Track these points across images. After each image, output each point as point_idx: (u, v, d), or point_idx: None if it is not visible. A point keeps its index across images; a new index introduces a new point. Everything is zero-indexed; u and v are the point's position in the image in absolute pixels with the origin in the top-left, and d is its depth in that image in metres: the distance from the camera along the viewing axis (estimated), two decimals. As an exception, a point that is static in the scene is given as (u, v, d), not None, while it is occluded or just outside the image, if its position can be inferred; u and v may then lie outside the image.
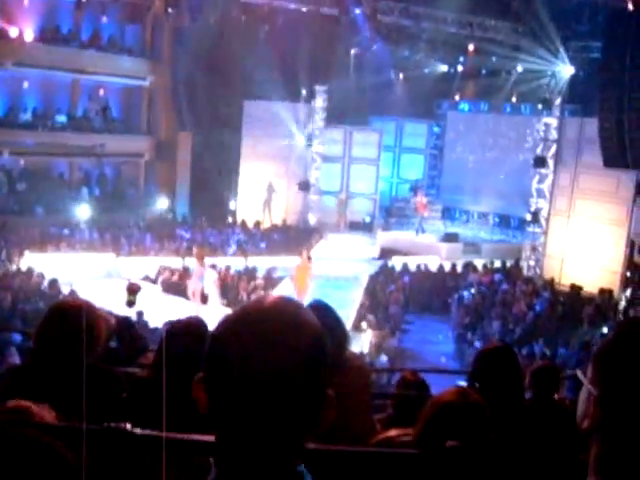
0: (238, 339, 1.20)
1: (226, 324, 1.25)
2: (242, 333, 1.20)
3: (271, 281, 19.26)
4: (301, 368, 1.19)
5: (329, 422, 1.27)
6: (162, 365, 3.01)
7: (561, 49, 21.00)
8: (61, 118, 23.56)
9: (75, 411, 2.34)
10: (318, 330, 1.25)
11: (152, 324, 13.97)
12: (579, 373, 1.50)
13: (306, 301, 15.89)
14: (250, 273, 19.65)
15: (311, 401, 1.21)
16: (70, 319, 2.99)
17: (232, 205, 25.88)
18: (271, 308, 1.24)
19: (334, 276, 20.38)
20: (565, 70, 21.42)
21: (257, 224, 24.55)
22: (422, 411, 2.75)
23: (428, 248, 22.93)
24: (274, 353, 1.18)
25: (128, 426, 2.40)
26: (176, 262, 20.13)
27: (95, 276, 19.16)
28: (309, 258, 17.82)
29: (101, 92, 25.02)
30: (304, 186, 24.78)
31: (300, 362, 1.19)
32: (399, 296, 18.33)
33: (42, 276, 17.12)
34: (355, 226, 25.41)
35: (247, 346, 1.19)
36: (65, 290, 16.12)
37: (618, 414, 1.37)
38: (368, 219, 25.75)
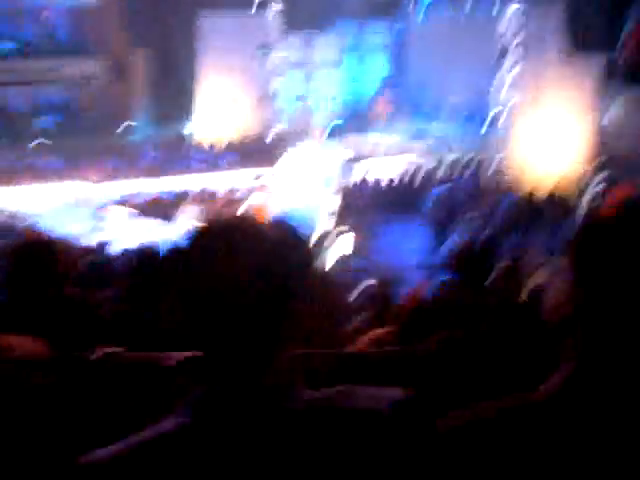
0: (203, 253, 1.27)
1: (192, 241, 1.32)
2: (206, 247, 1.27)
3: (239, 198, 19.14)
4: (263, 276, 1.25)
5: (298, 332, 1.39)
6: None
7: None
8: (6, 45, 22.63)
9: (55, 342, 2.47)
10: (277, 243, 1.32)
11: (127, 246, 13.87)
12: (554, 259, 1.43)
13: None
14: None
15: (272, 315, 1.27)
16: (33, 258, 3.06)
17: (191, 124, 25.26)
18: (231, 224, 1.34)
19: (307, 185, 20.28)
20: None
21: (219, 140, 24.05)
22: (398, 308, 2.75)
23: (398, 148, 22.78)
24: (239, 264, 1.25)
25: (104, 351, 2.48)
26: (144, 184, 19.90)
27: (62, 206, 18.85)
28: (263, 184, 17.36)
29: (46, 14, 24.00)
30: (267, 96, 24.26)
31: (261, 270, 1.25)
32: (374, 198, 18.42)
33: (2, 210, 16.87)
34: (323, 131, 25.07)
35: (214, 258, 1.25)
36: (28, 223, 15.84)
37: (597, 301, 1.29)
38: (336, 123, 25.35)
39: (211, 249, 1.26)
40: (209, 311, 1.23)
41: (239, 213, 17.80)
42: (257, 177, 18.07)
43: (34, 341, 2.44)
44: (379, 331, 3.15)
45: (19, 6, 22.79)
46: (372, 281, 6.38)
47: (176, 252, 1.39)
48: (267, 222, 3.42)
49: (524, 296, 4.38)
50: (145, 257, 3.54)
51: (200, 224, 1.34)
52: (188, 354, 1.39)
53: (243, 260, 1.25)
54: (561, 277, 1.37)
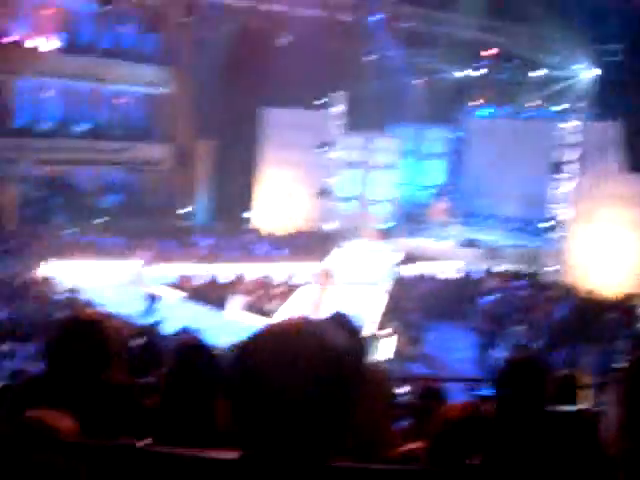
0: (263, 358, 1.25)
1: (252, 344, 1.30)
2: (267, 353, 1.26)
3: (291, 289, 19.27)
4: (322, 386, 1.24)
5: (351, 438, 1.31)
6: (174, 380, 3.03)
7: (582, 52, 20.86)
8: (82, 127, 23.76)
9: (91, 427, 2.36)
10: (339, 350, 1.29)
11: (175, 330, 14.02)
12: (605, 398, 1.48)
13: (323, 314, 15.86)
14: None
15: (333, 417, 1.25)
16: (82, 335, 2.96)
17: (249, 214, 25.88)
18: (293, 328, 1.30)
19: (356, 283, 20.32)
20: (588, 73, 21.25)
21: (274, 231, 24.60)
22: (431, 425, 2.72)
23: (448, 254, 22.80)
24: (297, 372, 1.23)
25: (142, 443, 2.36)
26: (198, 269, 20.20)
27: (119, 283, 19.24)
28: (327, 274, 17.35)
29: (122, 100, 25.22)
30: (324, 193, 24.74)
31: (321, 380, 1.24)
32: (420, 303, 18.24)
33: (61, 285, 17.25)
34: (376, 232, 25.34)
35: (272, 365, 1.24)
36: (84, 299, 16.21)
37: None
38: (389, 225, 25.66)
39: (271, 354, 1.24)
40: (268, 413, 1.20)
41: (293, 306, 17.93)
42: (314, 272, 18.10)
43: (64, 418, 2.32)
44: (412, 445, 3.12)
45: (99, 91, 24.07)
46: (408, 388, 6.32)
47: (236, 352, 1.32)
48: (325, 318, 3.40)
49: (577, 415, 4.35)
50: (190, 349, 3.38)
51: (255, 320, 1.31)
52: (238, 453, 1.29)
53: (303, 367, 1.23)
54: (618, 409, 1.42)
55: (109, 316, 3.55)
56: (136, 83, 24.57)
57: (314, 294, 16.96)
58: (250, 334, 1.33)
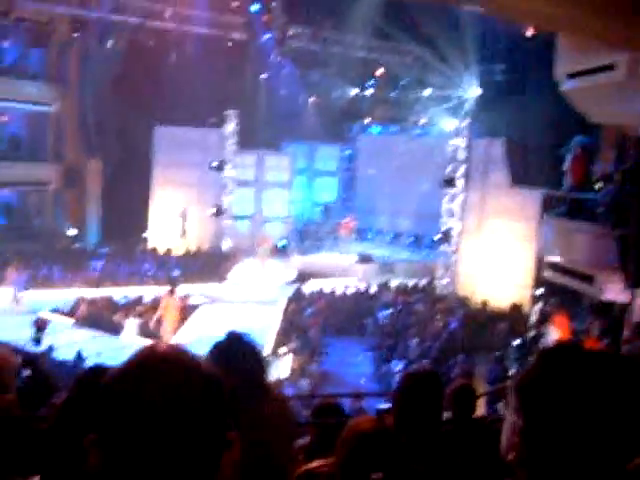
0: (131, 393, 1.18)
1: (113, 377, 1.23)
2: (134, 385, 1.19)
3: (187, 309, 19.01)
4: (198, 415, 1.19)
5: (231, 465, 1.26)
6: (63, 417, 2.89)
7: (466, 72, 21.69)
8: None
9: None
10: (212, 376, 1.25)
11: (65, 357, 13.51)
12: (501, 406, 1.50)
13: (177, 338, 15.84)
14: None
15: (210, 447, 1.21)
16: None
17: (144, 234, 25.35)
18: (161, 359, 1.23)
19: (251, 301, 20.26)
20: (471, 92, 22.09)
21: (168, 252, 24.19)
22: (339, 440, 2.70)
23: (344, 270, 23.07)
24: (170, 404, 1.17)
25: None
26: (89, 292, 19.56)
27: (2, 311, 18.38)
28: (172, 292, 17.13)
29: (4, 118, 24.22)
30: (218, 212, 24.55)
31: (196, 409, 1.19)
32: (317, 319, 18.32)
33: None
34: (271, 250, 25.33)
35: (141, 399, 1.17)
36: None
37: (543, 447, 1.36)
38: (283, 242, 25.75)
39: (141, 389, 1.18)
40: (143, 450, 1.15)
41: (190, 327, 17.63)
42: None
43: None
44: (314, 464, 3.11)
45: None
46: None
47: (103, 391, 1.23)
48: (222, 337, 3.33)
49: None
50: (94, 371, 3.23)
51: (128, 361, 1.22)
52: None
53: (182, 399, 1.18)
54: (512, 417, 1.45)
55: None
56: (20, 100, 23.65)
57: (161, 325, 16.58)
58: (120, 364, 1.25)
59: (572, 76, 12.99)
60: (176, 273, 21.85)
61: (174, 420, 1.16)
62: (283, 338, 16.99)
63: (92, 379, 3.12)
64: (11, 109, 24.28)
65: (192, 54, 21.24)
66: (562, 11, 9.55)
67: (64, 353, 13.79)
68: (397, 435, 2.67)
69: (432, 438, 3.21)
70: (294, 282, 22.37)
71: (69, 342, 14.94)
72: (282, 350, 16.10)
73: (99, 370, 3.24)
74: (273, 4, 20.80)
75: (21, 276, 19.31)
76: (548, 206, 18.15)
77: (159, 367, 1.21)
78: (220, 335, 3.26)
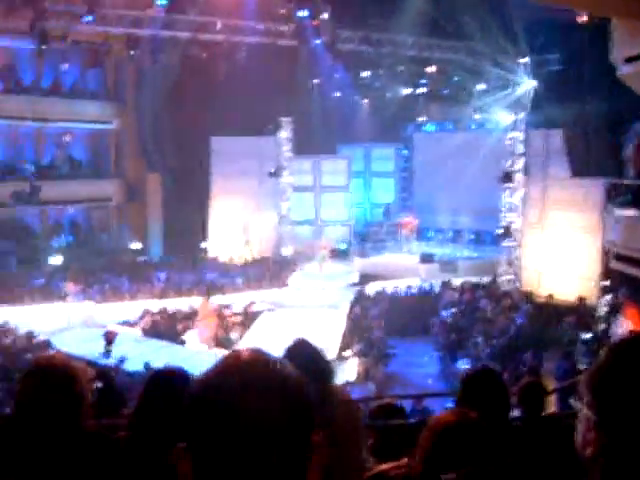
0: (219, 402, 1.18)
1: (204, 385, 1.22)
2: (222, 393, 1.18)
3: (249, 316, 19.24)
4: (286, 420, 1.19)
5: (320, 468, 1.25)
6: (140, 423, 2.89)
7: (520, 64, 21.34)
8: (27, 167, 23.35)
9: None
10: (298, 380, 1.25)
11: (134, 368, 13.78)
12: (573, 402, 1.48)
13: (213, 343, 16.09)
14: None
15: (298, 451, 1.20)
16: (51, 382, 2.72)
17: (205, 245, 25.73)
18: (248, 364, 1.23)
19: (314, 305, 20.32)
20: (526, 83, 21.71)
21: (230, 260, 24.50)
22: (420, 440, 2.66)
23: (406, 270, 22.93)
24: (259, 409, 1.17)
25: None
26: (154, 304, 19.93)
27: (73, 325, 18.88)
28: (208, 298, 17.26)
29: (67, 139, 24.89)
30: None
31: (285, 414, 1.19)
32: (381, 321, 18.27)
33: (17, 330, 16.82)
34: (331, 254, 25.37)
35: (230, 408, 1.17)
36: (41, 343, 15.85)
37: (620, 442, 1.33)
38: (344, 246, 25.77)
39: (230, 388, 1.18)
40: (234, 458, 1.15)
41: (254, 334, 17.80)
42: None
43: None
44: (384, 466, 3.08)
45: (42, 131, 23.79)
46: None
47: (190, 399, 1.22)
48: (288, 344, 3.36)
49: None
50: (156, 384, 3.19)
51: (214, 367, 1.22)
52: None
53: (269, 404, 1.18)
54: (586, 413, 1.42)
55: (73, 360, 3.36)
56: (80, 120, 24.32)
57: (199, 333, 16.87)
58: (204, 372, 1.25)
59: (629, 60, 12.69)
60: (239, 281, 22.13)
61: (271, 427, 1.17)
62: (348, 341, 17.00)
63: (163, 384, 3.15)
64: (73, 129, 24.95)
65: (243, 64, 21.40)
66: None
67: (133, 364, 14.09)
68: (483, 428, 2.60)
69: (497, 436, 3.17)
70: (356, 285, 22.35)
71: (137, 353, 15.23)
72: (347, 353, 16.10)
73: (166, 375, 3.26)
74: (322, 10, 20.82)
75: (78, 288, 19.86)
76: (611, 196, 17.76)
77: (253, 375, 1.21)
78: (284, 340, 3.29)
